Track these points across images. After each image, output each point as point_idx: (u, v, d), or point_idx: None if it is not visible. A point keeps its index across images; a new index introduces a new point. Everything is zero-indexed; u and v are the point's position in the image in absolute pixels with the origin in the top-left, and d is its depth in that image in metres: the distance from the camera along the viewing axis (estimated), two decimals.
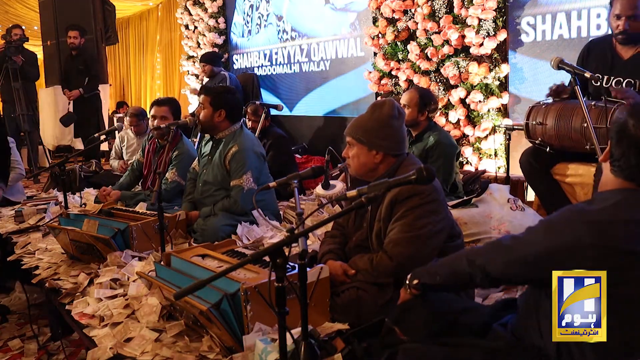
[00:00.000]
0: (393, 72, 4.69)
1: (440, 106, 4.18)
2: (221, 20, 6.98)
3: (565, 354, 1.29)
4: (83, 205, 3.55)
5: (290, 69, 6.13)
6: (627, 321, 1.25)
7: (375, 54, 4.85)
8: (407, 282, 1.58)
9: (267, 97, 6.36)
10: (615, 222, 1.26)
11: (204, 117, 3.05)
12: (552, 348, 1.31)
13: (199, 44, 7.27)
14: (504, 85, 4.07)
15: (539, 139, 2.70)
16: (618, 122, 1.31)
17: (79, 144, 6.61)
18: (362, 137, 1.96)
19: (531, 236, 1.34)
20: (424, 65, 4.39)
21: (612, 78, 2.63)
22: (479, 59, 4.07)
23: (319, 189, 3.52)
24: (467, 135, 4.23)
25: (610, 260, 1.23)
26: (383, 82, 4.77)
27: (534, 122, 2.69)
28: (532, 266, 1.31)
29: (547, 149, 2.69)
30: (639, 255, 1.24)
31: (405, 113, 2.06)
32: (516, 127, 3.59)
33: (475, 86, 4.09)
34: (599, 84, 2.63)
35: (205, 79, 6.08)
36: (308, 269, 1.41)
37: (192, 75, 7.51)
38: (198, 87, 7.26)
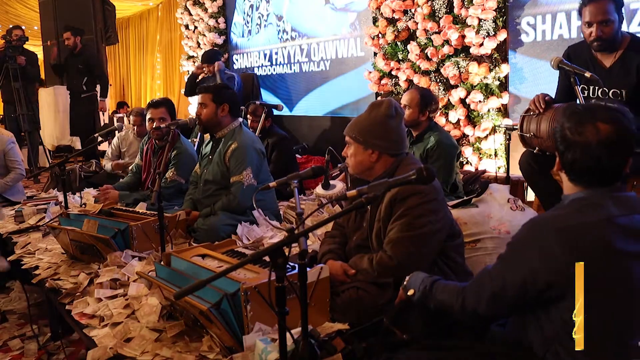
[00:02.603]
0: (393, 72, 4.69)
1: (440, 106, 4.18)
2: (221, 20, 6.98)
3: (552, 356, 1.30)
4: (83, 205, 3.55)
5: (291, 69, 6.13)
6: (610, 321, 1.25)
7: (375, 54, 4.85)
8: (405, 284, 1.58)
9: (267, 97, 6.36)
10: (583, 224, 1.27)
11: (207, 115, 3.05)
12: (540, 350, 1.31)
13: (199, 44, 7.27)
14: (504, 85, 4.07)
15: (537, 148, 2.69)
16: (557, 131, 1.34)
17: (78, 144, 6.62)
18: (357, 135, 1.96)
19: (503, 268, 1.35)
20: (424, 65, 4.39)
21: (596, 88, 2.56)
22: (479, 59, 4.07)
23: (319, 189, 3.52)
24: (467, 135, 4.23)
25: (586, 263, 1.23)
26: (383, 82, 4.77)
27: (527, 135, 2.67)
28: (517, 296, 1.31)
29: (547, 153, 2.69)
30: (613, 252, 1.24)
31: (403, 113, 2.06)
32: (516, 127, 3.58)
33: (475, 86, 4.09)
34: (585, 93, 2.56)
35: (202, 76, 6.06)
36: (308, 269, 1.41)
37: None
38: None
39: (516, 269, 1.30)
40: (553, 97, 2.71)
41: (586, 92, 2.58)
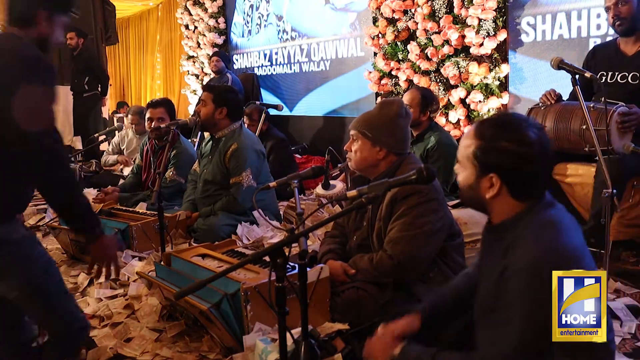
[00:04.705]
0: (393, 72, 4.69)
1: (440, 106, 4.18)
2: (221, 20, 6.98)
3: None
4: None
5: (290, 69, 6.13)
6: None
7: (375, 54, 4.85)
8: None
9: (267, 97, 6.36)
10: (573, 249, 1.23)
11: (205, 114, 3.06)
12: None
13: (199, 44, 7.27)
14: (504, 85, 4.07)
15: None
16: (491, 149, 1.27)
17: (79, 144, 6.62)
18: (368, 131, 1.96)
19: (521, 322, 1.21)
20: (424, 65, 4.39)
21: (616, 73, 2.65)
22: (479, 59, 4.07)
23: (319, 189, 3.53)
24: None
25: None
26: (383, 82, 4.77)
27: None
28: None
29: None
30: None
31: (411, 114, 2.07)
32: None
33: (475, 86, 4.09)
34: (603, 80, 2.64)
35: (210, 77, 6.08)
36: (308, 269, 1.41)
37: (192, 75, 7.50)
38: (198, 87, 7.26)
39: (536, 318, 1.22)
40: (566, 95, 2.76)
41: (604, 77, 2.66)
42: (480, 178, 1.29)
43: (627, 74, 2.62)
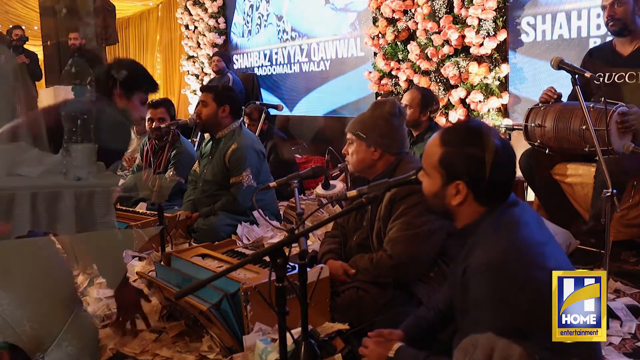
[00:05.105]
0: (393, 72, 4.69)
1: (440, 106, 4.18)
2: (221, 20, 6.98)
3: None
4: None
5: (290, 69, 6.13)
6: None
7: (375, 54, 4.85)
8: None
9: (267, 97, 6.36)
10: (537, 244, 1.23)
11: (207, 114, 3.05)
12: None
13: (199, 44, 7.27)
14: (504, 85, 4.07)
15: (538, 140, 2.70)
16: (457, 156, 1.27)
17: None
18: (361, 133, 1.96)
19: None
20: (424, 65, 4.39)
21: (613, 74, 2.66)
22: (479, 59, 4.07)
23: (319, 189, 3.52)
24: None
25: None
26: (383, 82, 4.77)
27: (532, 125, 2.68)
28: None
29: (546, 151, 2.69)
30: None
31: (406, 113, 2.07)
32: (516, 127, 3.58)
33: (475, 86, 4.08)
34: (600, 80, 2.64)
35: (210, 77, 6.08)
36: (308, 269, 1.41)
37: (192, 75, 7.50)
38: (198, 87, 7.26)
39: (502, 318, 1.19)
40: (566, 95, 2.76)
41: (602, 78, 2.67)
42: (447, 185, 1.29)
43: (624, 74, 2.63)
